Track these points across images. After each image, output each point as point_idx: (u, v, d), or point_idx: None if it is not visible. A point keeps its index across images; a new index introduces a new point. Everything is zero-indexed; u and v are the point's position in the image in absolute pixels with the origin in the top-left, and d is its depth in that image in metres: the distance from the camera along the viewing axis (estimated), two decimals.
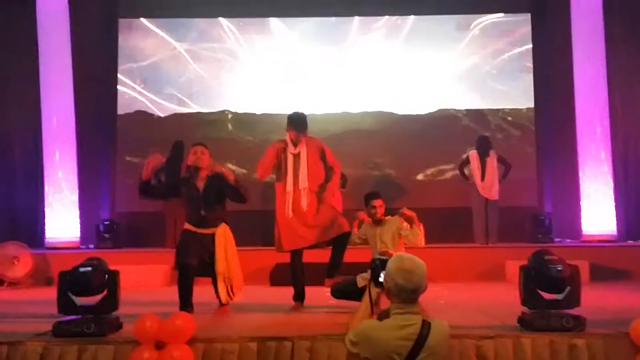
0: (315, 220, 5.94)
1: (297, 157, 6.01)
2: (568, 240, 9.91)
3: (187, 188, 5.83)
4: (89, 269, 4.48)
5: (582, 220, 9.76)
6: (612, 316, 5.14)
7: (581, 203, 9.80)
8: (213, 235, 5.75)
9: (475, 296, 6.99)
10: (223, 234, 5.79)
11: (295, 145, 6.04)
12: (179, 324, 4.27)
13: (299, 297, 6.08)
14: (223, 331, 4.65)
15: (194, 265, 5.60)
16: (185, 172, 5.84)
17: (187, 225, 5.80)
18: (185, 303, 5.52)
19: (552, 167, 10.69)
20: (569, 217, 10.16)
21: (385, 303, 3.08)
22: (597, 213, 9.65)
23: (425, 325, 2.84)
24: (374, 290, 3.12)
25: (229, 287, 5.78)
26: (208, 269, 5.75)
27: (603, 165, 9.73)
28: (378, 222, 6.08)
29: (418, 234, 5.86)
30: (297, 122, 6.06)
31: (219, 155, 10.44)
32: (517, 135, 10.89)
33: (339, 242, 5.98)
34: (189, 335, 4.26)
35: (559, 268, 4.44)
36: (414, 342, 2.78)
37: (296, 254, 6.07)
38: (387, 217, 6.09)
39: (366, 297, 3.14)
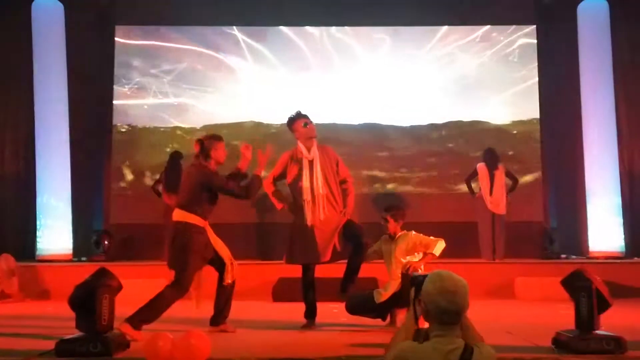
0: (333, 233, 5.65)
1: (312, 163, 5.75)
2: (574, 257, 9.71)
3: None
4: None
5: (589, 236, 9.59)
6: None
7: (587, 218, 9.63)
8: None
9: (490, 314, 6.70)
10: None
11: (308, 150, 5.79)
12: (193, 343, 3.99)
13: (311, 314, 5.78)
14: (239, 351, 4.36)
15: None
16: (214, 166, 5.44)
17: (198, 221, 5.27)
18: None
19: (558, 181, 10.51)
20: (575, 233, 10.03)
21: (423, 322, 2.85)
22: (604, 229, 9.50)
23: (468, 350, 2.59)
24: (419, 308, 2.86)
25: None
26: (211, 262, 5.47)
27: (609, 180, 9.60)
28: (392, 238, 5.82)
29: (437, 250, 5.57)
30: (298, 114, 5.86)
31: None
32: (522, 149, 10.69)
33: (355, 254, 5.67)
34: (205, 356, 3.98)
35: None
36: None
37: (309, 268, 5.78)
38: (400, 233, 5.78)
39: (410, 317, 2.87)
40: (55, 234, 9.52)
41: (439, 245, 5.54)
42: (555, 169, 10.53)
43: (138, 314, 5.03)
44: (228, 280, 5.41)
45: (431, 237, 5.63)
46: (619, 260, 9.13)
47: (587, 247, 9.63)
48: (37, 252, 9.48)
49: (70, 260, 9.49)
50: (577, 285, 4.33)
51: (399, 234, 5.75)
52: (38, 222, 9.57)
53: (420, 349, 2.63)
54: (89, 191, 10.43)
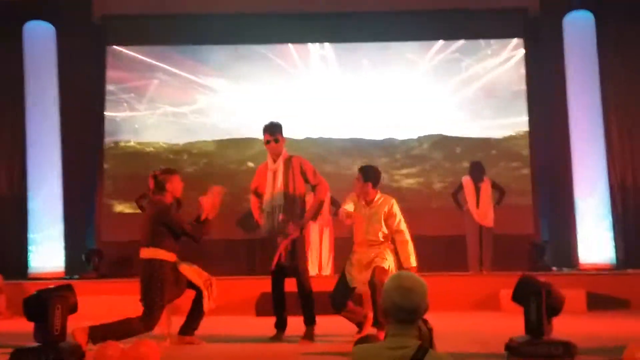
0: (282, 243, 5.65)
1: (274, 174, 5.77)
2: (565, 269, 9.64)
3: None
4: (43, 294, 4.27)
5: (579, 248, 9.53)
6: (606, 344, 4.89)
7: (577, 230, 9.57)
8: None
9: (469, 325, 6.71)
10: None
11: (274, 161, 5.82)
12: (142, 351, 4.04)
13: (281, 325, 5.79)
14: None
15: None
16: (172, 200, 5.45)
17: (167, 255, 5.27)
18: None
19: (548, 194, 10.47)
20: (565, 245, 9.96)
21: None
22: (594, 241, 9.43)
23: (421, 351, 2.55)
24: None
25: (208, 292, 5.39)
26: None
27: (599, 192, 9.54)
28: (368, 203, 5.59)
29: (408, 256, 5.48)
30: (269, 125, 5.85)
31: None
32: (512, 161, 10.68)
33: (299, 290, 5.69)
34: None
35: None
36: None
37: (277, 280, 5.78)
38: (379, 196, 5.60)
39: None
40: (47, 252, 9.60)
41: (412, 256, 5.45)
42: (544, 182, 10.49)
43: (102, 329, 4.93)
44: (206, 308, 5.38)
45: (402, 226, 5.51)
46: (608, 272, 9.05)
47: (578, 259, 9.55)
48: (29, 270, 9.55)
49: (62, 278, 9.53)
50: (526, 291, 4.32)
51: (378, 196, 5.61)
52: (30, 241, 9.65)
53: (371, 349, 2.61)
54: (81, 209, 10.50)
